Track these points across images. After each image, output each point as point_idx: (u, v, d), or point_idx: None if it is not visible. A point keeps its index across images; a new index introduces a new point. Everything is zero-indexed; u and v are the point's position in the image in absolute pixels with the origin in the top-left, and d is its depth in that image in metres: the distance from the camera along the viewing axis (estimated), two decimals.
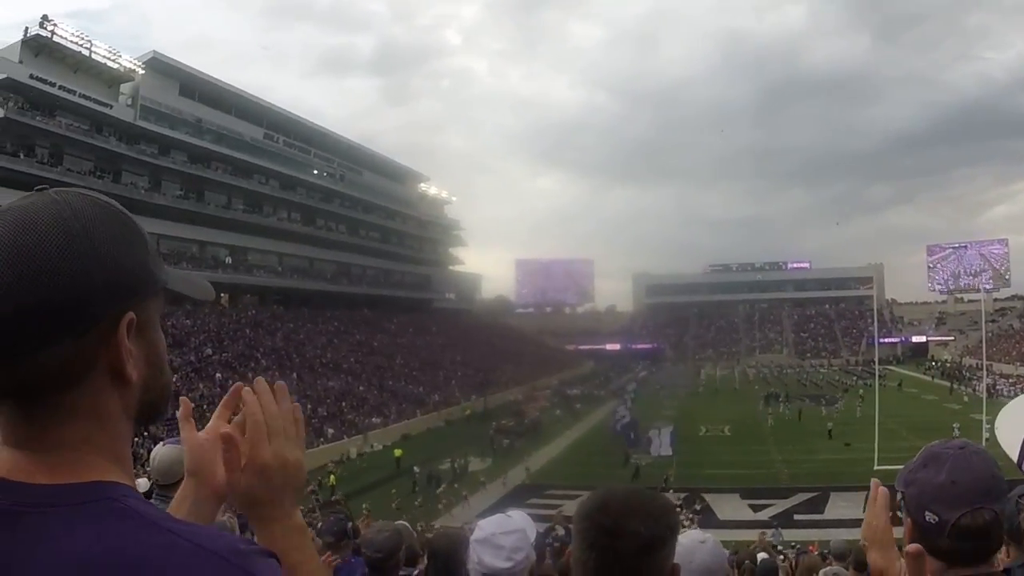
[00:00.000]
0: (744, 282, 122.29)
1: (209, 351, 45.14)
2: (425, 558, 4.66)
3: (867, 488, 1.43)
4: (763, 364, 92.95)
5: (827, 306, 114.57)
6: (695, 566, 2.09)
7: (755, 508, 28.02)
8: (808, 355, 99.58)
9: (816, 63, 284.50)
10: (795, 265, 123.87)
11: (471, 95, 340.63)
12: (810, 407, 50.05)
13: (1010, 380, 58.74)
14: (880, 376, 46.65)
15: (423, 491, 32.72)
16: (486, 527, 2.39)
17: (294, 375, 46.90)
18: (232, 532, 3.52)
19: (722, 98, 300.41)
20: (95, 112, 49.12)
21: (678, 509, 22.96)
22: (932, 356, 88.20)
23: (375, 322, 70.76)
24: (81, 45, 48.34)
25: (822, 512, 27.03)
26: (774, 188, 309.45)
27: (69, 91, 46.90)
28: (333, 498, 26.67)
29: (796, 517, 26.55)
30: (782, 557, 13.77)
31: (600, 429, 47.94)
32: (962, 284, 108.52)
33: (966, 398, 51.17)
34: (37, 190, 0.82)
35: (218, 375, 41.46)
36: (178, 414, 1.07)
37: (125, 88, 52.74)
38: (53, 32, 46.51)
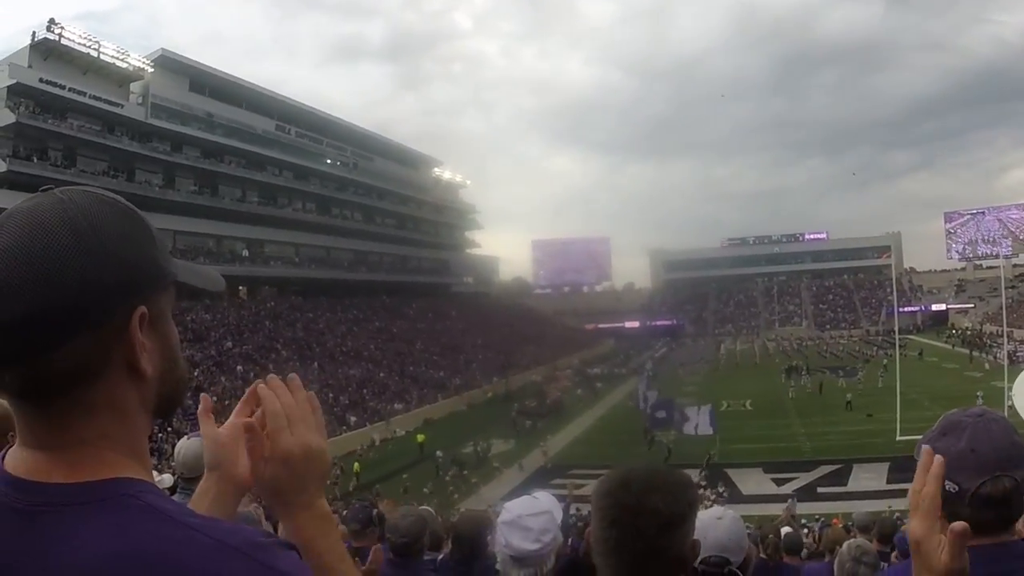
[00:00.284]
0: (762, 255, 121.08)
1: (229, 344, 45.53)
2: (449, 542, 4.71)
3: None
4: (783, 337, 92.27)
5: (846, 276, 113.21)
6: (709, 543, 2.10)
7: (778, 482, 27.89)
8: (828, 326, 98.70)
9: (831, 31, 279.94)
10: (812, 236, 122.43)
11: (484, 78, 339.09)
12: (831, 379, 49.70)
13: None
14: (901, 346, 46.12)
15: (447, 474, 32.94)
16: (513, 509, 2.40)
17: (315, 364, 47.29)
18: (258, 523, 3.58)
19: (738, 71, 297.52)
20: (106, 112, 49.32)
21: (700, 489, 22.98)
22: (952, 324, 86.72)
23: (394, 308, 70.98)
24: (89, 47, 48.47)
25: (845, 484, 26.85)
26: (790, 159, 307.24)
27: (79, 93, 47.10)
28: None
29: (819, 490, 26.43)
30: (806, 531, 13.76)
31: (622, 408, 47.90)
32: (980, 251, 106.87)
33: (987, 365, 50.52)
34: (42, 190, 0.82)
35: (239, 368, 41.82)
36: (198, 410, 1.08)
37: (135, 87, 52.90)
38: (61, 35, 46.70)
